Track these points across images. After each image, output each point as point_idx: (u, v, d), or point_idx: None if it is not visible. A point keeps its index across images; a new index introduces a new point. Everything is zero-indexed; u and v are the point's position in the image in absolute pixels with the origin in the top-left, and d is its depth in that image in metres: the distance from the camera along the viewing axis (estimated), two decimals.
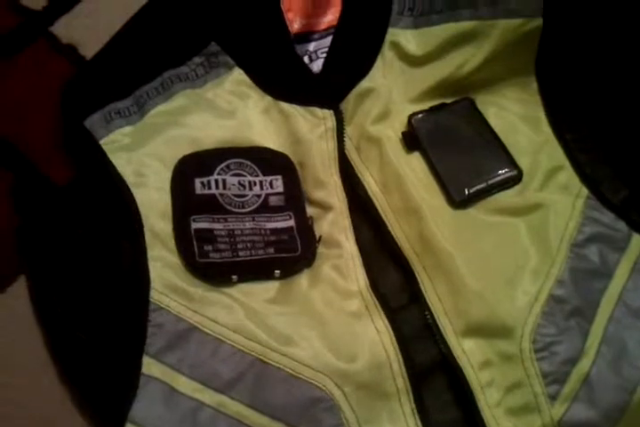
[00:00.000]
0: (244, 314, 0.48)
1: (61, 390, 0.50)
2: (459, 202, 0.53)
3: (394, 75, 0.57)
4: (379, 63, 0.57)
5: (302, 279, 0.51)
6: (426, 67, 0.57)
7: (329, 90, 0.57)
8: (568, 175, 0.54)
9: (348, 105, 0.57)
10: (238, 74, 0.57)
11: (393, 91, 0.57)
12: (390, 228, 0.53)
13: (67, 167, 0.56)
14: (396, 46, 0.57)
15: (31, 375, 0.51)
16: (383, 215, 0.54)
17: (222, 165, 0.54)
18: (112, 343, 0.48)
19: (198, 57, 0.57)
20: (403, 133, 0.56)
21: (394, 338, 0.49)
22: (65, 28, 0.62)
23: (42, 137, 0.58)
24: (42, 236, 0.53)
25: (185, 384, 0.47)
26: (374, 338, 0.49)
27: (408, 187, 0.53)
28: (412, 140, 0.56)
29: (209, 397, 0.46)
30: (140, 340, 0.47)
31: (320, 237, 0.53)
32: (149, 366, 0.47)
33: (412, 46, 0.57)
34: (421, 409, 0.48)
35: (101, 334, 0.49)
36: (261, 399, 0.46)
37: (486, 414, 0.47)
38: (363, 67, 0.57)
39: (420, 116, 0.56)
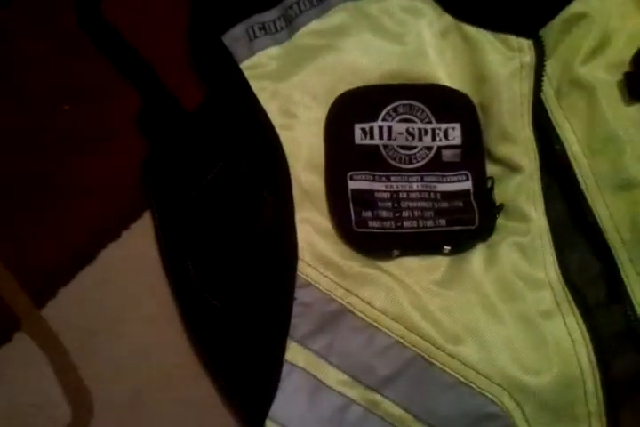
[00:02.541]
0: (406, 299, 0.41)
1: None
2: None
3: None
4: None
5: (475, 258, 0.42)
6: None
7: (528, 12, 0.45)
8: None
9: (551, 34, 0.45)
10: None
11: (612, 17, 0.45)
12: (591, 202, 0.43)
13: (197, 90, 0.47)
14: None
15: (160, 326, 0.45)
16: (583, 185, 0.43)
17: (389, 108, 0.44)
18: (250, 319, 0.41)
19: None
20: (625, 76, 0.44)
21: (591, 348, 0.40)
22: None
23: (171, 51, 0.48)
24: (170, 171, 0.46)
25: (333, 376, 0.40)
26: (566, 346, 0.40)
27: (625, 152, 0.42)
28: (637, 87, 0.43)
29: (359, 393, 0.40)
30: (285, 320, 0.40)
31: (502, 204, 0.43)
32: (294, 352, 0.40)
33: None
34: None
35: (238, 306, 0.42)
36: (421, 404, 0.40)
37: None
38: None
39: None
